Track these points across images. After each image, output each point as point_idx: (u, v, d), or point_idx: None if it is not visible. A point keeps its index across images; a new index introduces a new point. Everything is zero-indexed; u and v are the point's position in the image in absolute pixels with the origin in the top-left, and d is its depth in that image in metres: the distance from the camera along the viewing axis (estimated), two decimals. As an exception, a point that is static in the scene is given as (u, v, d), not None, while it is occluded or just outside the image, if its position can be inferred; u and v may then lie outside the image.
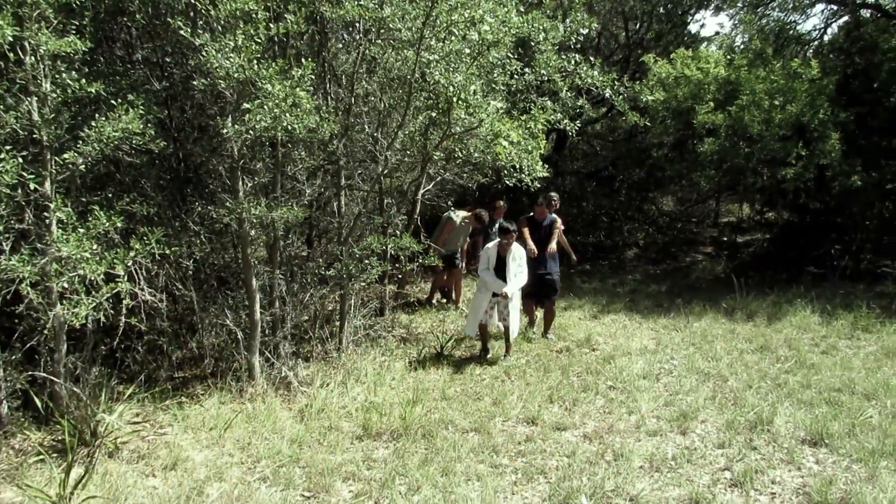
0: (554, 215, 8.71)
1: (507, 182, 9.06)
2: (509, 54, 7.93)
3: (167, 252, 5.00)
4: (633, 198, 16.49)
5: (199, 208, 6.07)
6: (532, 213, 8.67)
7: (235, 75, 4.86)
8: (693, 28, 16.47)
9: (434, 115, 8.34)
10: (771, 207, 12.47)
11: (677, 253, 16.59)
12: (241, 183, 5.85)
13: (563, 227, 8.91)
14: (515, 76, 8.31)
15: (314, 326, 7.27)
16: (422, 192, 9.57)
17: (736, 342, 8.54)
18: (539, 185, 9.41)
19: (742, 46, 12.63)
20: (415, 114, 7.49)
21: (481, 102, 8.19)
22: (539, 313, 9.12)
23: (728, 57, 12.06)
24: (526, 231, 8.40)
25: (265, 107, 4.85)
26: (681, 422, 5.76)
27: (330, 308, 8.00)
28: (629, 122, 10.81)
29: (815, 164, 10.69)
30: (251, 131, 5.12)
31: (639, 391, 6.60)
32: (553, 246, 8.47)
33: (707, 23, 33.85)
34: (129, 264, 4.67)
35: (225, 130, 4.95)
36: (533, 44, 8.25)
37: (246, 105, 4.90)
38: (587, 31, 9.31)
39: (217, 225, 5.84)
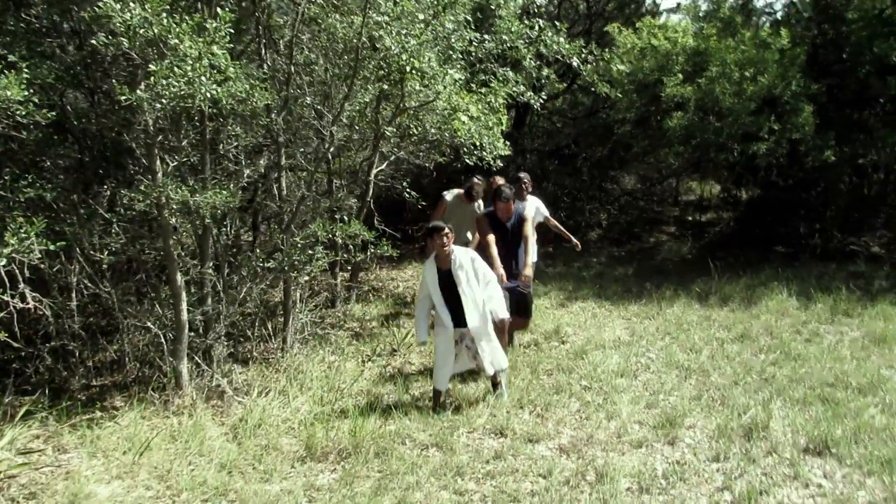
0: (524, 205, 7.02)
1: (468, 160, 8.36)
2: (468, 17, 7.14)
3: (51, 247, 4.13)
4: (595, 176, 15.90)
5: (109, 192, 5.18)
6: (493, 209, 6.51)
7: (141, 31, 3.99)
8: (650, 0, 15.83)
9: (386, 87, 7.55)
10: (740, 185, 11.99)
11: (640, 233, 16.10)
12: (159, 162, 4.99)
13: (547, 214, 7.92)
14: (474, 43, 7.54)
15: (254, 325, 6.45)
16: (375, 172, 8.78)
17: (713, 330, 7.98)
18: (501, 164, 8.77)
19: (708, 15, 12.02)
20: (364, 84, 6.67)
21: (437, 72, 7.42)
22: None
23: (696, 26, 11.44)
24: (491, 239, 6.26)
25: (176, 69, 4.00)
26: (667, 429, 5.12)
27: (273, 303, 7.18)
28: (599, 94, 10.11)
29: (787, 138, 10.18)
30: (162, 100, 4.26)
31: (617, 391, 5.96)
32: (528, 272, 6.42)
33: None
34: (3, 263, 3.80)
35: (123, 97, 4.07)
36: (493, 7, 7.49)
37: (152, 66, 4.03)
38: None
39: (129, 212, 4.97)
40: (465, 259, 5.44)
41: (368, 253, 6.53)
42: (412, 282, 11.12)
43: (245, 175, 6.59)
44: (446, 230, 5.36)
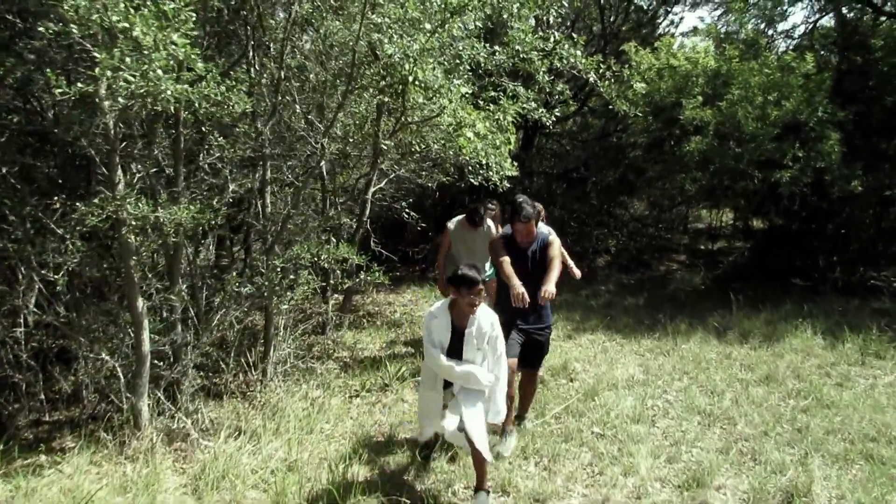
0: (547, 230, 5.43)
1: (472, 181, 7.77)
2: (478, 24, 6.58)
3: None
4: (604, 201, 15.31)
5: (59, 205, 4.56)
6: (511, 232, 5.22)
7: (94, 18, 3.40)
8: (667, 22, 15.34)
9: (386, 99, 6.99)
10: (759, 213, 11.34)
11: (650, 261, 15.48)
12: (121, 172, 4.39)
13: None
14: (483, 54, 6.97)
15: (230, 355, 5.82)
16: (373, 190, 8.20)
17: (735, 370, 7.33)
18: (508, 185, 8.19)
19: (729, 37, 11.48)
20: (360, 93, 6.10)
21: (443, 83, 6.85)
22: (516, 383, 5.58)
23: (718, 48, 10.89)
24: (506, 262, 5.02)
25: (128, 60, 3.41)
26: (693, 490, 4.47)
27: (256, 329, 6.56)
28: (611, 116, 9.54)
29: (812, 166, 9.57)
30: (119, 99, 3.67)
31: (633, 441, 5.30)
32: (551, 288, 4.87)
33: (685, 17, 32.82)
34: None
35: (59, 90, 3.47)
36: (505, 15, 6.93)
37: (97, 54, 3.43)
38: (564, 9, 8.04)
39: (80, 228, 4.35)
40: (485, 323, 4.34)
41: (359, 279, 5.88)
42: (410, 307, 10.49)
43: (230, 190, 5.99)
44: (480, 285, 4.24)
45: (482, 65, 7.19)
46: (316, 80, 6.00)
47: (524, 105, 7.70)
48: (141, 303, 4.66)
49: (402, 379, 6.65)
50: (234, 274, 5.24)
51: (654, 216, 17.03)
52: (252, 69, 5.63)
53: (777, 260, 12.13)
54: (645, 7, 14.55)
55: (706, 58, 10.27)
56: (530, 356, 5.36)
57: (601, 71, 7.35)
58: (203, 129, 5.67)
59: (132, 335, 4.81)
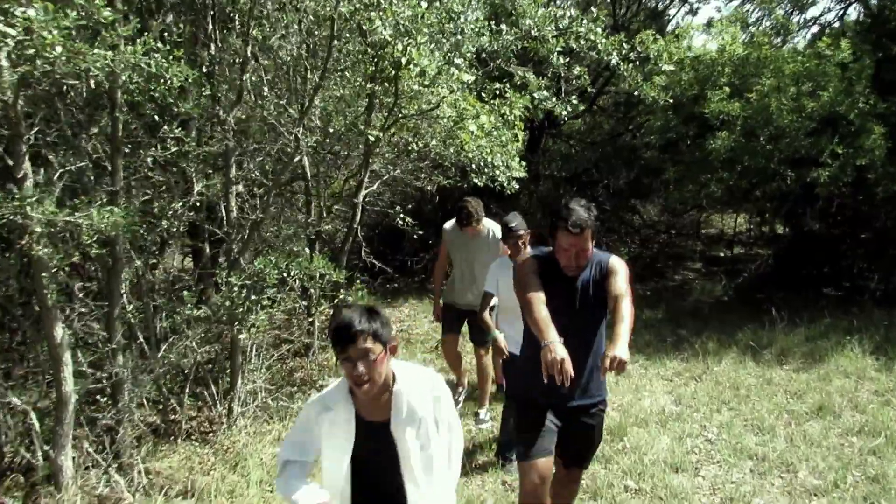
0: (605, 253, 3.40)
1: (477, 182, 6.84)
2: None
3: None
4: (616, 206, 14.33)
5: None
6: (549, 252, 3.26)
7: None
8: (682, 13, 14.36)
9: (377, 88, 6.05)
10: (793, 217, 10.36)
11: (664, 269, 14.50)
12: (28, 164, 3.43)
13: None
14: (486, 34, 6.01)
15: (183, 390, 4.84)
16: (364, 193, 7.24)
17: (780, 398, 6.35)
18: (516, 188, 7.25)
19: (758, 22, 10.53)
20: (345, 73, 5.14)
21: (442, 68, 5.91)
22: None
23: (745, 33, 9.92)
24: (537, 302, 3.01)
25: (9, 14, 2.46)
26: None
27: (222, 357, 5.58)
28: (626, 114, 8.57)
29: (852, 164, 8.59)
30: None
31: (677, 498, 4.31)
32: (623, 353, 2.72)
33: (701, 7, 31.82)
34: None
35: None
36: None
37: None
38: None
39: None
40: (420, 401, 2.41)
41: (338, 299, 4.90)
42: (408, 322, 9.54)
43: (196, 192, 5.03)
44: (367, 343, 2.23)
45: (486, 47, 6.22)
46: (289, 57, 5.02)
47: (535, 95, 6.74)
48: (60, 331, 3.69)
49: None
50: (186, 293, 4.28)
51: (667, 222, 16.05)
52: (213, 45, 4.66)
53: (808, 268, 11.15)
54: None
55: (733, 44, 9.30)
56: (575, 449, 3.42)
57: (624, 52, 6.38)
58: (160, 116, 4.73)
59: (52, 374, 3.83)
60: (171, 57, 3.32)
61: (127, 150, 4.66)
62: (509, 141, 7.21)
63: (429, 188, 9.34)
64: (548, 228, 3.22)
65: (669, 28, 12.65)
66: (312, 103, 4.59)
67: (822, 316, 9.25)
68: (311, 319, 7.07)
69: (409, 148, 7.54)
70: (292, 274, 4.09)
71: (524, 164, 7.42)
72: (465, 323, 5.90)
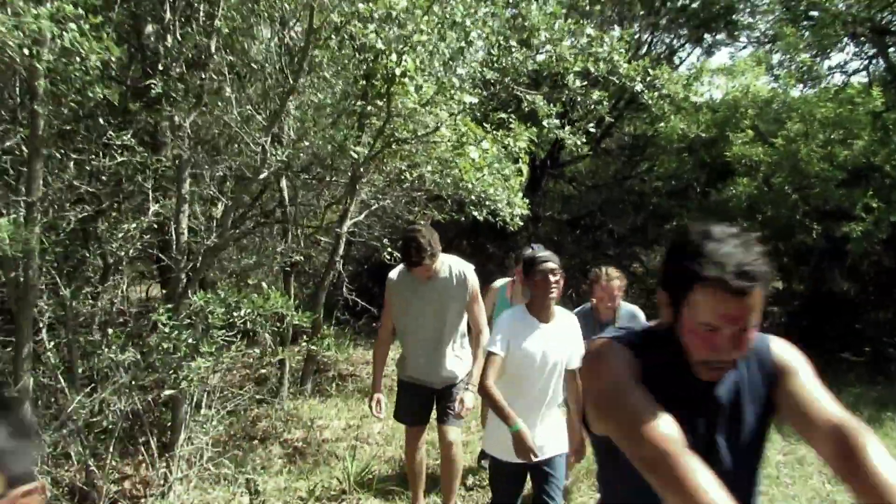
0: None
1: (476, 215, 6.09)
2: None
3: None
4: (621, 253, 13.58)
5: None
6: (639, 325, 1.83)
7: None
8: (694, 57, 13.76)
9: (366, 105, 5.32)
10: (817, 275, 9.58)
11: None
12: None
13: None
14: (499, 47, 5.29)
15: (112, 448, 3.95)
16: (349, 223, 6.46)
17: (815, 482, 5.49)
18: (521, 224, 6.52)
19: (781, 65, 9.89)
20: (327, 76, 4.37)
21: (440, 83, 5.19)
22: None
23: (769, 75, 9.29)
24: (691, 463, 1.25)
25: None
26: None
27: (159, 407, 4.70)
28: (659, 137, 7.83)
29: (888, 220, 7.86)
30: None
31: None
32: None
33: (716, 53, 31.57)
34: None
35: None
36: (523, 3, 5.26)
37: None
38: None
39: None
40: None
41: (298, 348, 4.06)
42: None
43: (151, 212, 4.22)
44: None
45: (493, 63, 5.49)
46: (261, 56, 4.24)
47: (546, 123, 6.00)
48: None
49: (365, 484, 4.77)
50: (112, 332, 3.44)
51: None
52: (170, 37, 3.90)
53: (826, 329, 10.35)
54: (672, 41, 13.04)
55: (756, 87, 8.65)
56: None
57: (648, 79, 5.66)
58: (108, 118, 3.97)
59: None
60: (89, 26, 2.53)
61: (59, 154, 3.90)
62: (512, 174, 6.50)
63: (422, 222, 8.57)
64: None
65: (682, 69, 12.03)
66: (284, 108, 3.80)
67: (846, 383, 8.43)
68: (279, 361, 6.23)
69: (402, 177, 6.82)
70: (242, 313, 3.25)
71: (527, 201, 6.73)
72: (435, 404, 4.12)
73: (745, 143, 8.22)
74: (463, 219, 6.91)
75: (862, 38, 11.04)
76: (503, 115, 6.50)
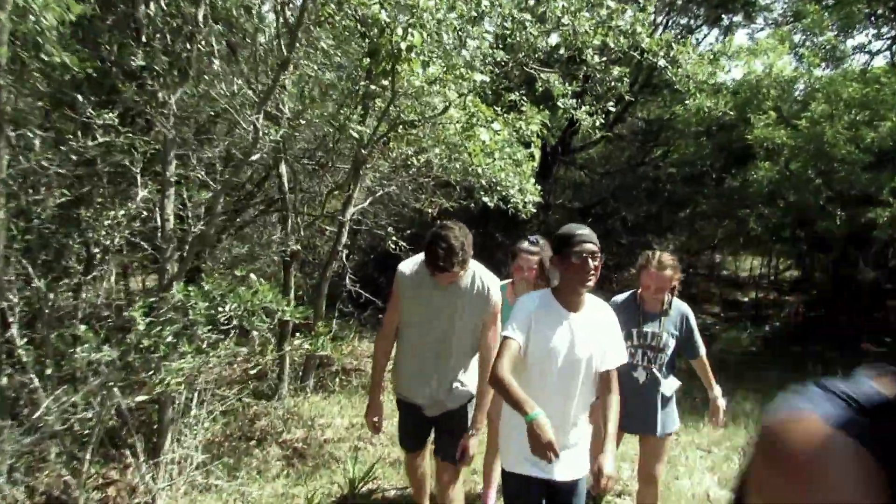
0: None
1: (487, 202, 5.77)
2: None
3: None
4: (633, 241, 13.22)
5: None
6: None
7: None
8: (712, 37, 13.28)
9: (370, 85, 4.98)
10: (843, 263, 9.16)
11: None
12: None
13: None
14: (513, 21, 4.92)
15: (91, 453, 3.64)
16: (352, 211, 6.14)
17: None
18: (533, 211, 6.20)
19: (804, 43, 9.45)
20: (327, 48, 4.02)
21: (449, 59, 4.85)
22: None
23: (793, 53, 8.87)
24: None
25: None
26: None
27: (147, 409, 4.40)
28: (646, 141, 7.46)
29: (917, 205, 7.48)
30: None
31: None
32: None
33: (736, 29, 30.87)
34: None
35: None
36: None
37: None
38: None
39: None
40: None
41: (290, 347, 3.73)
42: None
43: (140, 197, 3.90)
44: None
45: (506, 39, 5.13)
46: (253, 28, 3.87)
47: (560, 103, 5.64)
48: None
49: (370, 489, 4.46)
50: (84, 328, 3.12)
51: (686, 261, 14.96)
52: (153, 3, 3.56)
53: (847, 319, 10.00)
54: (689, 22, 12.60)
55: (779, 66, 8.25)
56: None
57: (672, 54, 5.28)
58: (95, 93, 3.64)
59: None
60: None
61: (31, 133, 3.57)
62: (524, 160, 6.17)
63: (429, 210, 8.22)
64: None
65: (701, 49, 11.61)
66: (279, 83, 3.46)
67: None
68: (280, 355, 5.91)
69: (409, 162, 6.50)
70: (229, 308, 2.92)
71: (539, 187, 6.42)
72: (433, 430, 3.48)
73: (768, 126, 7.83)
74: (473, 205, 6.56)
75: (882, 19, 10.61)
76: (515, 98, 6.17)
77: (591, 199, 13.49)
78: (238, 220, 4.63)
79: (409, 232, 8.21)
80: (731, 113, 8.23)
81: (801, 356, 9.46)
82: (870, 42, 9.83)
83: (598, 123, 5.64)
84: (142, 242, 3.91)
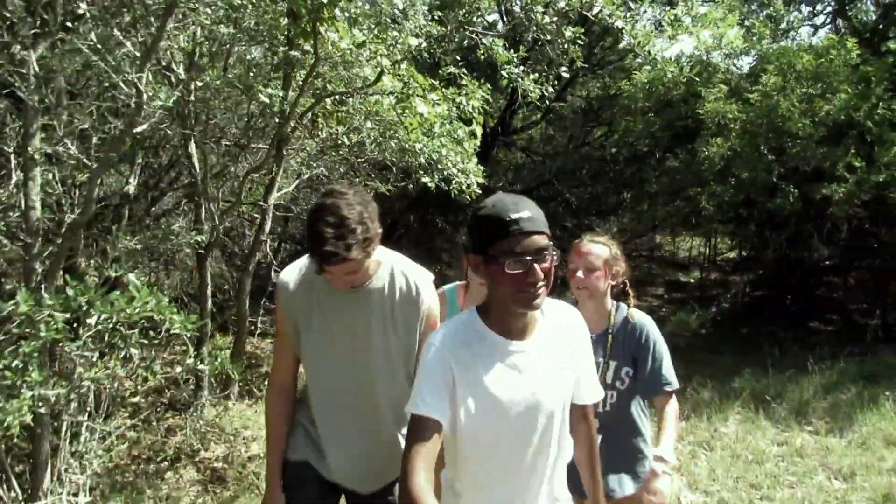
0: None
1: (427, 183, 5.22)
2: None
3: None
4: (575, 225, 12.84)
5: None
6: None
7: None
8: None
9: (293, 52, 4.36)
10: (798, 242, 8.83)
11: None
12: None
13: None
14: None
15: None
16: (276, 195, 5.48)
17: (822, 480, 4.79)
18: (479, 192, 5.69)
19: (753, 15, 9.11)
20: None
21: (377, 21, 4.26)
22: None
23: (742, 25, 8.49)
24: None
25: None
26: None
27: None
28: (623, 94, 6.98)
29: (871, 180, 7.19)
30: None
31: None
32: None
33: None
34: None
35: None
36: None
37: None
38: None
39: None
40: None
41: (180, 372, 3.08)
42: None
43: (13, 183, 3.16)
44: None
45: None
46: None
47: (507, 72, 5.08)
48: None
49: None
50: None
51: (626, 243, 14.70)
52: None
53: (795, 298, 9.83)
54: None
55: (731, 37, 7.86)
56: None
57: (627, 17, 4.75)
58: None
59: None
60: None
61: None
62: (466, 137, 5.64)
63: (348, 184, 7.55)
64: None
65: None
66: (163, 34, 2.76)
67: (822, 357, 7.84)
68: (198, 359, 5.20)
69: (340, 141, 5.88)
70: (98, 319, 2.22)
71: (482, 168, 5.92)
72: None
73: (718, 100, 7.45)
74: (411, 186, 5.98)
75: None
76: (454, 70, 5.61)
77: (533, 182, 13.04)
78: (142, 207, 3.91)
79: (308, 220, 7.59)
80: (682, 84, 7.83)
81: (752, 337, 9.25)
82: (814, 15, 9.60)
83: (547, 92, 5.07)
84: (11, 238, 3.16)
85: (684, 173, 8.05)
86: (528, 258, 1.54)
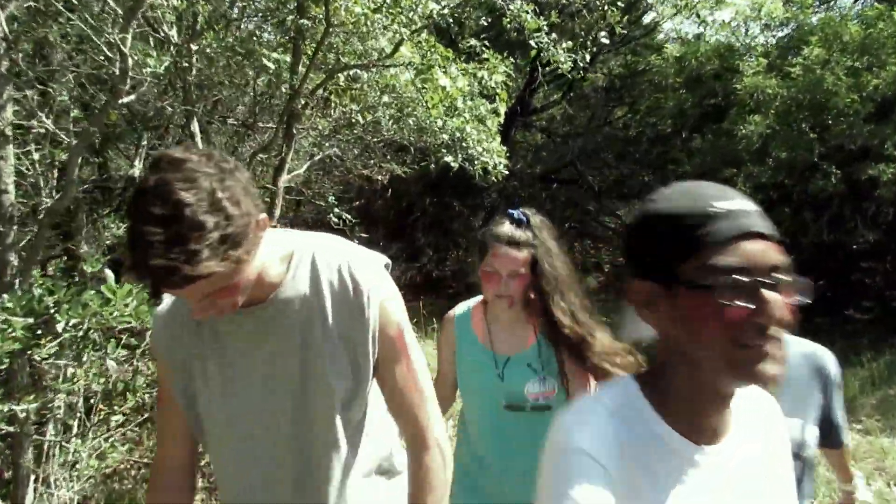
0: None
1: (450, 161, 4.85)
2: None
3: None
4: (601, 207, 12.37)
5: None
6: None
7: None
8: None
9: (299, 18, 3.97)
10: (838, 226, 8.31)
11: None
12: None
13: None
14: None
15: None
16: (286, 178, 5.10)
17: (878, 482, 4.39)
18: (505, 173, 5.30)
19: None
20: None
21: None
22: None
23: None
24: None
25: None
26: None
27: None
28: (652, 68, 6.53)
29: (920, 160, 6.70)
30: None
31: None
32: None
33: None
34: None
35: None
36: None
37: None
38: None
39: None
40: None
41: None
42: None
43: None
44: None
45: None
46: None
47: (537, 41, 4.65)
48: None
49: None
50: None
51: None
52: None
53: (828, 285, 9.35)
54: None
55: (771, 6, 7.36)
56: None
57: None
58: None
59: None
60: None
61: None
62: (488, 114, 5.24)
63: (379, 178, 7.17)
64: None
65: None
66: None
67: (862, 347, 7.40)
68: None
69: (354, 120, 5.50)
70: (67, 324, 1.84)
71: (506, 149, 5.54)
72: None
73: (758, 74, 6.97)
74: (432, 166, 5.59)
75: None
76: (474, 43, 5.21)
77: (554, 164, 12.57)
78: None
79: (357, 203, 7.22)
80: (716, 59, 7.35)
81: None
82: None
83: (582, 61, 4.64)
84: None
85: (712, 154, 7.57)
86: (763, 282, 0.80)
